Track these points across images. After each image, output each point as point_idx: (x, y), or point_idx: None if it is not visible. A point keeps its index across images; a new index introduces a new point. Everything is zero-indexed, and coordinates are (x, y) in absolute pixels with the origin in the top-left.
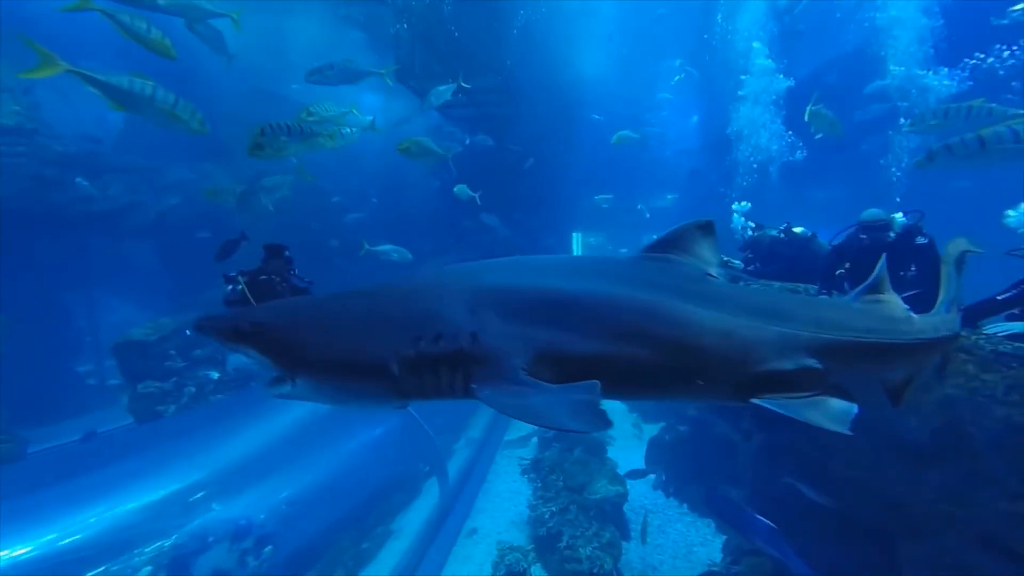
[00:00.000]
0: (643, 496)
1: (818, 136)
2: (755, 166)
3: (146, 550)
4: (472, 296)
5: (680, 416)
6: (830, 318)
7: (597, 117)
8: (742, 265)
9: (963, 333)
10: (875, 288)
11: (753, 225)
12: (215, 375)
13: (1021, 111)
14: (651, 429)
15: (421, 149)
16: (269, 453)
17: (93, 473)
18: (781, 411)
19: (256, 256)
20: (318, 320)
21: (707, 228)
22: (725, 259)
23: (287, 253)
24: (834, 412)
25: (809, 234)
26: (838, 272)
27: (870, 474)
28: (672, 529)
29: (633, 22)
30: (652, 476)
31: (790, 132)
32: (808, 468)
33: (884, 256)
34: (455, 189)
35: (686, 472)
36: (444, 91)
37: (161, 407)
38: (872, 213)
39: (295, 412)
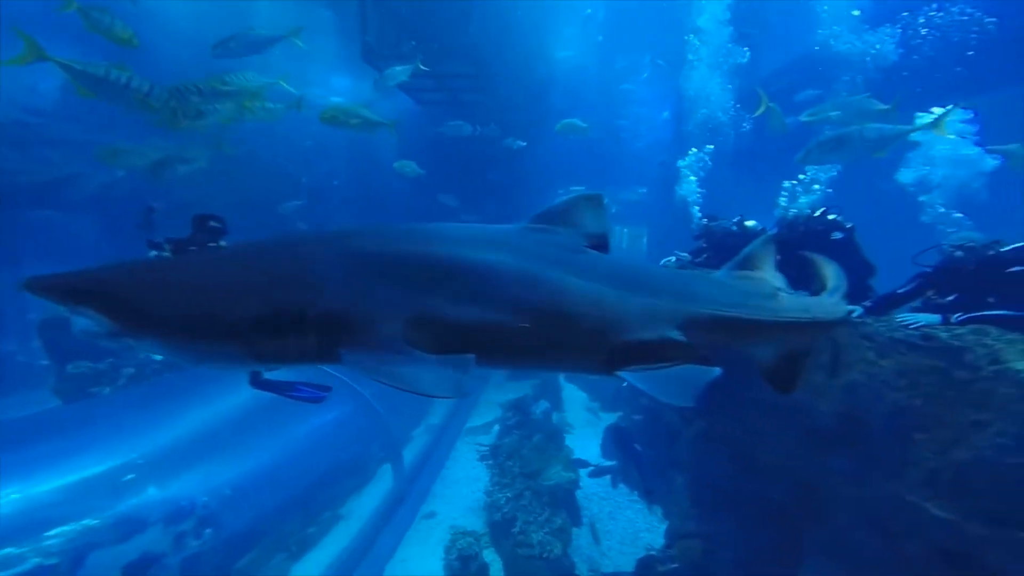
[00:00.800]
0: (596, 484)
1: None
2: (707, 155)
3: (64, 529)
4: (346, 259)
5: (635, 405)
6: (694, 291)
7: (584, 125)
8: (689, 256)
9: (867, 320)
10: (746, 264)
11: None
12: (160, 356)
13: (887, 106)
14: (608, 417)
15: (351, 116)
16: (213, 435)
17: (4, 454)
18: (636, 383)
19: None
20: (164, 279)
21: (595, 200)
22: (676, 254)
23: (213, 223)
24: (683, 385)
25: (759, 228)
26: None
27: (786, 459)
28: (622, 516)
29: (610, 14)
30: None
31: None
32: (740, 453)
33: (768, 235)
34: (395, 165)
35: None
36: (400, 71)
37: (95, 388)
38: (798, 207)
39: (244, 395)
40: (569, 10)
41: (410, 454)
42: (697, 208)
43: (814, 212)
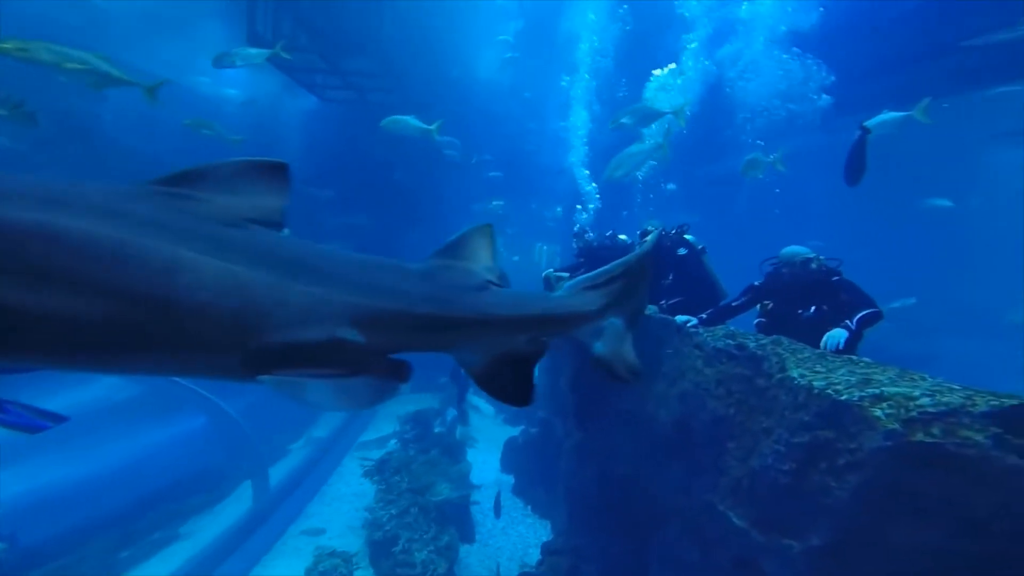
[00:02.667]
0: (492, 500)
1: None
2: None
3: None
4: None
5: (531, 419)
6: (379, 282)
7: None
8: (567, 275)
9: (699, 331)
10: (455, 252)
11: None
12: None
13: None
14: (513, 431)
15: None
16: (21, 440)
17: None
18: (285, 393)
19: None
20: None
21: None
22: (551, 272)
23: None
24: (356, 396)
25: (629, 242)
26: None
27: (636, 470)
28: (514, 531)
29: (531, 33)
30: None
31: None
32: (605, 466)
33: (487, 225)
34: None
35: (534, 474)
36: (255, 55)
37: None
38: (654, 224)
39: (71, 397)
40: (484, 17)
41: (283, 469)
42: (576, 225)
43: (672, 230)
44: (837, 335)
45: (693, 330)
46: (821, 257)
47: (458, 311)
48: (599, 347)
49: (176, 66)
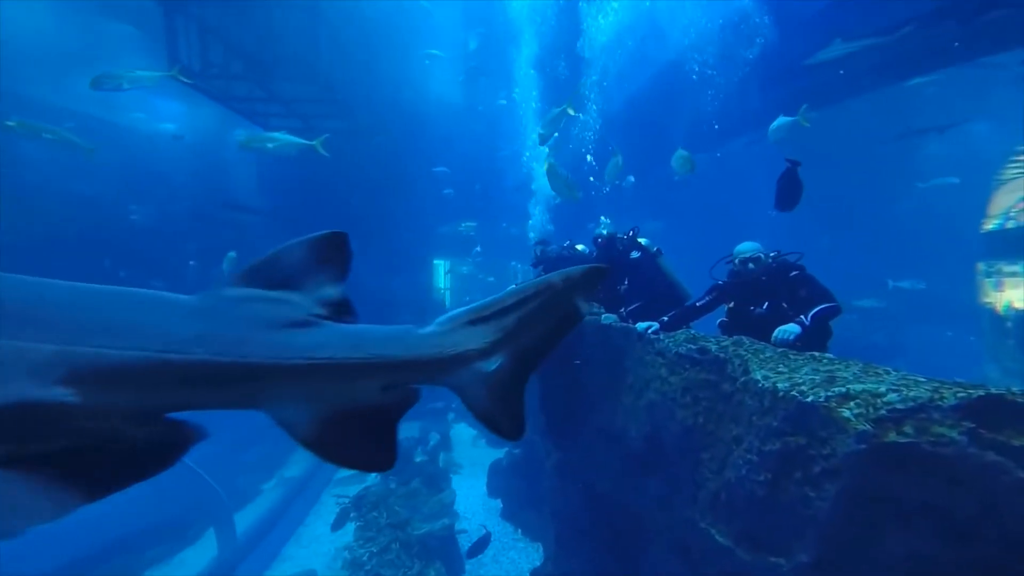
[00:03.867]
0: (481, 527)
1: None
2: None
3: None
4: None
5: (516, 441)
6: (121, 321)
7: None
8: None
9: (660, 336)
10: (259, 276)
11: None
12: None
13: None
14: (497, 453)
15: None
16: None
17: None
18: None
19: None
20: None
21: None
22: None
23: None
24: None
25: (587, 252)
26: None
27: (616, 488)
28: (505, 557)
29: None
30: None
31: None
32: (588, 485)
33: (343, 234)
34: None
35: (522, 496)
36: (147, 77)
37: None
38: (605, 226)
39: None
40: (433, 37)
41: (255, 512)
42: (533, 234)
43: (625, 234)
44: (789, 330)
45: (654, 336)
46: (772, 253)
47: (248, 357)
48: (480, 397)
49: (107, 104)
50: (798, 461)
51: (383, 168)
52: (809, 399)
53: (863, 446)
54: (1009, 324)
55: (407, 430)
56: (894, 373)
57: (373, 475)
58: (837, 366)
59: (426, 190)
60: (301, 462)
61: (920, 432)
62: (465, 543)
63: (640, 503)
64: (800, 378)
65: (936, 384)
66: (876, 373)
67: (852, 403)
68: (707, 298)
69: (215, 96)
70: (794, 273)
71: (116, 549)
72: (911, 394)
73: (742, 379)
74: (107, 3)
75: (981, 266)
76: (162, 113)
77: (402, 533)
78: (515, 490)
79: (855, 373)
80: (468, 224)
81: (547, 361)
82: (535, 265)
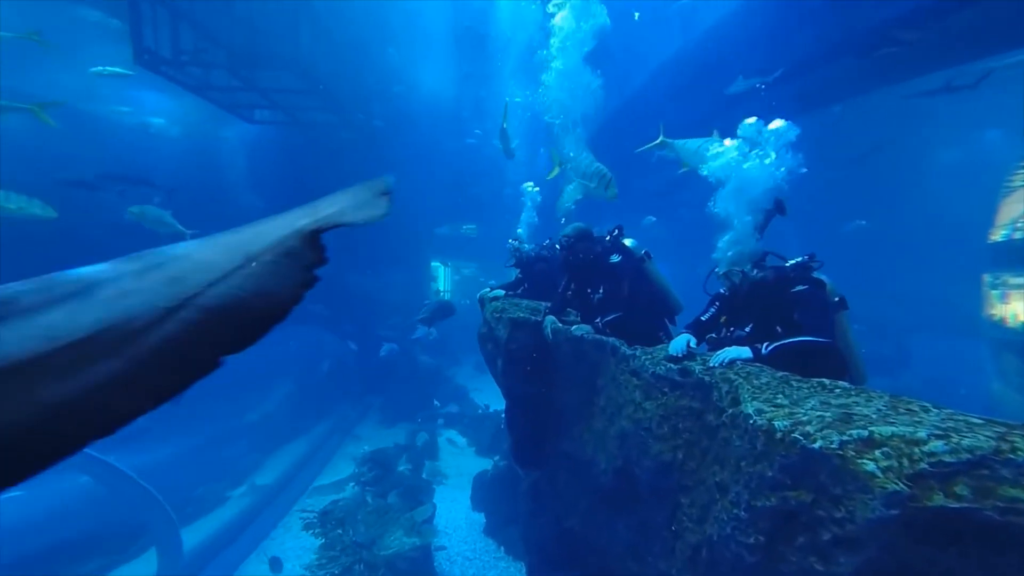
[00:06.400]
0: (462, 542)
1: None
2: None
3: None
4: None
5: (503, 449)
6: None
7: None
8: (503, 292)
9: (636, 354)
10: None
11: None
12: None
13: None
14: (485, 463)
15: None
16: None
17: None
18: None
19: None
20: None
21: None
22: (489, 289)
23: None
24: None
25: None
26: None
27: (584, 524)
28: None
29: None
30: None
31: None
32: (557, 517)
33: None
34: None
35: (505, 511)
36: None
37: None
38: (573, 227)
39: None
40: (433, 40)
41: (214, 523)
42: (512, 238)
43: (609, 233)
44: (733, 354)
45: (630, 353)
46: (793, 261)
47: None
48: None
49: (97, 97)
50: (801, 523)
51: (379, 164)
52: (817, 445)
53: (894, 512)
54: (1015, 339)
55: (393, 435)
56: (934, 411)
57: (351, 486)
58: (855, 399)
59: (416, 186)
60: (278, 467)
61: (981, 495)
62: (443, 562)
63: (610, 548)
64: (805, 414)
65: (1001, 429)
66: (910, 410)
67: (878, 452)
68: (711, 310)
69: (190, 86)
70: (799, 288)
71: (38, 559)
72: (965, 442)
73: (730, 411)
74: None
75: (987, 278)
76: (149, 107)
77: (367, 553)
78: (499, 504)
79: (879, 409)
80: (469, 227)
81: (513, 370)
82: (515, 266)
